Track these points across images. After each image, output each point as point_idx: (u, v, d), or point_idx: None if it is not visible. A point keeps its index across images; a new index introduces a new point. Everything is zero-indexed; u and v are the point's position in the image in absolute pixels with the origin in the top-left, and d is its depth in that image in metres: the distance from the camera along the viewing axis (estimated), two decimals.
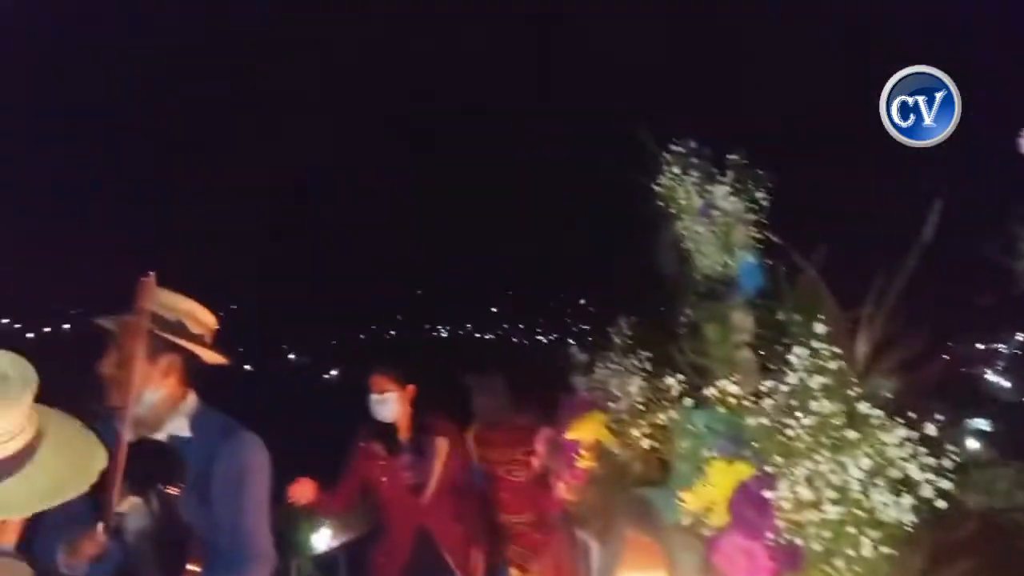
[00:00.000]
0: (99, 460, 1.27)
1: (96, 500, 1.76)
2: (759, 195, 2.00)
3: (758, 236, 2.01)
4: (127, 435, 1.82)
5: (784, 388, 1.42)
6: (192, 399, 2.14)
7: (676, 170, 2.08)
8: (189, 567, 1.82)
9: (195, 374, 2.18)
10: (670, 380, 1.78)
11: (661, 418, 1.83)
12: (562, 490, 2.57)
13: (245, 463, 2.09)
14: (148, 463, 1.90)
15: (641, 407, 2.07)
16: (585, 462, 2.40)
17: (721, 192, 2.03)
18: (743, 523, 1.48)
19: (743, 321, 1.99)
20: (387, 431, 3.39)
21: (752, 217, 2.01)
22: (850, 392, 1.37)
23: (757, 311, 1.92)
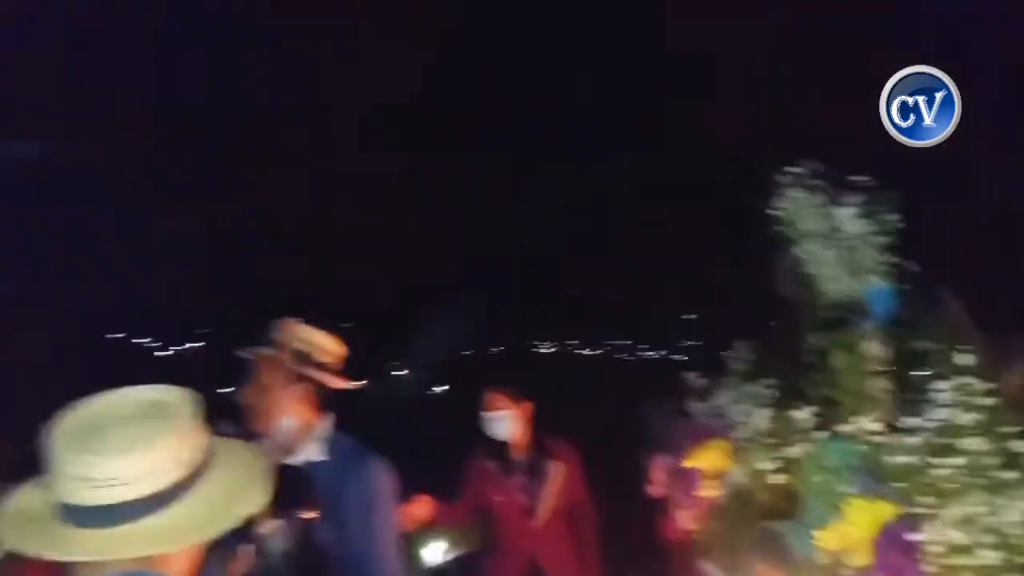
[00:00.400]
0: (261, 493, 1.28)
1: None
2: (890, 217, 1.92)
3: (890, 260, 1.92)
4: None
5: (930, 424, 1.35)
6: (324, 425, 2.26)
7: (797, 193, 2.03)
8: None
9: (325, 400, 2.31)
10: (799, 412, 1.72)
11: (792, 451, 1.77)
12: (683, 519, 2.52)
13: (375, 487, 2.19)
14: (285, 488, 2.02)
15: (768, 437, 2.01)
16: (707, 491, 2.35)
17: (847, 214, 1.95)
18: (888, 566, 1.41)
19: (874, 350, 1.90)
20: (502, 449, 3.40)
21: (883, 240, 1.92)
22: (1005, 429, 1.29)
23: (891, 340, 1.83)
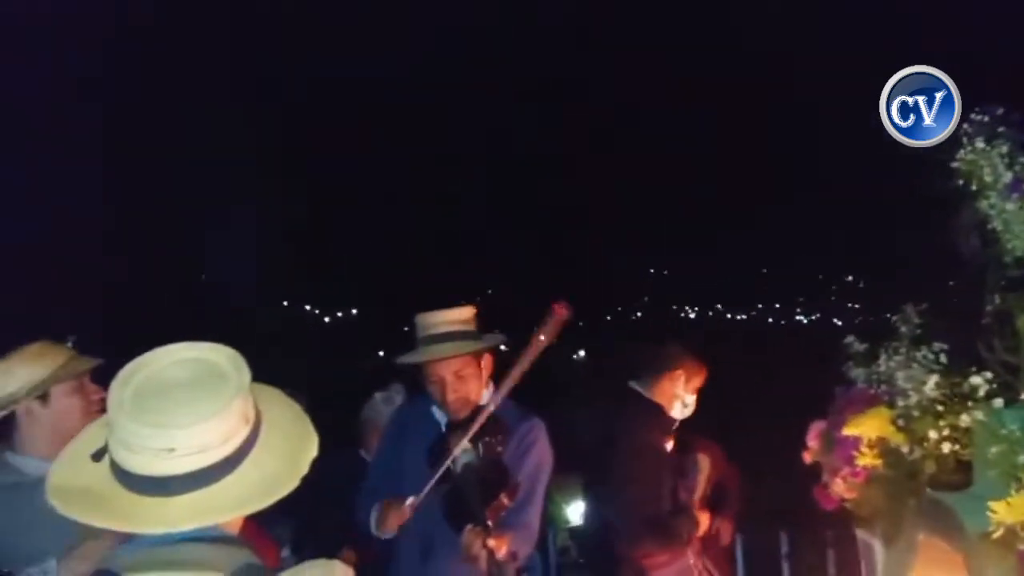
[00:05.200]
0: (311, 449, 1.24)
1: (433, 451, 2.18)
2: None
3: None
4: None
5: None
6: (492, 387, 2.41)
7: (980, 143, 1.86)
8: (503, 498, 2.08)
9: None
10: (975, 378, 1.60)
11: (963, 419, 1.66)
12: (839, 487, 2.44)
13: (535, 441, 2.33)
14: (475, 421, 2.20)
15: (937, 405, 1.89)
16: (866, 459, 2.25)
17: None
18: None
19: None
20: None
21: None
22: None
23: None
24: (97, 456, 1.16)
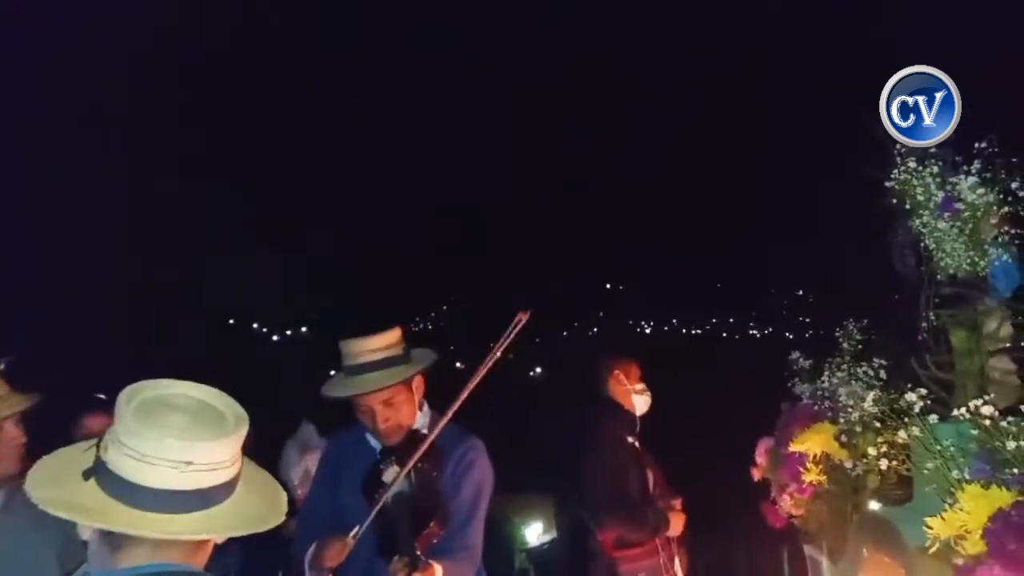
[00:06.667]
0: (284, 495, 1.31)
1: (367, 479, 2.13)
2: (1014, 185, 1.78)
3: (1015, 231, 1.79)
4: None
5: None
6: (426, 407, 2.35)
7: (912, 163, 1.91)
8: (434, 527, 2.04)
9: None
10: (910, 394, 1.63)
11: (901, 435, 1.69)
12: (787, 504, 2.46)
13: (474, 461, 2.27)
14: (409, 447, 2.14)
15: (876, 421, 1.92)
16: (812, 476, 2.28)
17: (967, 184, 1.83)
18: (1003, 554, 1.33)
19: (997, 327, 1.78)
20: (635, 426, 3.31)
21: (1006, 210, 1.79)
22: None
23: (1016, 316, 1.71)
24: (88, 474, 1.18)
